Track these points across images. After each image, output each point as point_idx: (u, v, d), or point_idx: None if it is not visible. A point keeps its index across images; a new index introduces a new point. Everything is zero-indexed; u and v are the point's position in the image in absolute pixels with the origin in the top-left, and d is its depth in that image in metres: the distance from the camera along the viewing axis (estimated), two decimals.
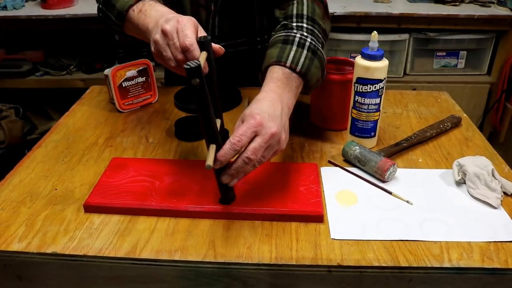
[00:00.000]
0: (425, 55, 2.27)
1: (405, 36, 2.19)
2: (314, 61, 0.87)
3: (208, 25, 1.13)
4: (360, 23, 2.12)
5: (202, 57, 0.71)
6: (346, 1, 2.20)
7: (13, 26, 2.19)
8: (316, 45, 0.90)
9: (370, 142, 0.96)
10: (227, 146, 0.70)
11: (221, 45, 0.78)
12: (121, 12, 0.90)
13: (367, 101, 0.91)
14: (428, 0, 2.24)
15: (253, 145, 0.71)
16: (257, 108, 0.75)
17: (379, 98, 0.91)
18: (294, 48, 0.87)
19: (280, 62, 0.85)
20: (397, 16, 2.10)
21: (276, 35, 0.93)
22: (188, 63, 0.64)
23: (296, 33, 0.91)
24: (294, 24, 0.94)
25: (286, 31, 0.93)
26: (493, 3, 2.20)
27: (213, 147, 0.70)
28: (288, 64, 0.84)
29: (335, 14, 2.06)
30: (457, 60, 2.29)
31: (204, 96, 0.66)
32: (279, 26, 0.97)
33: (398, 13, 2.10)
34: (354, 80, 0.91)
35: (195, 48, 0.73)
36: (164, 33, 0.75)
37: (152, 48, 0.79)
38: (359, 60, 0.89)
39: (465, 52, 2.26)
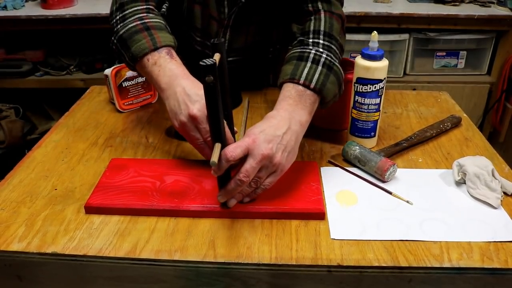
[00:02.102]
0: (425, 55, 2.27)
1: (405, 36, 2.19)
2: (330, 76, 0.86)
3: (219, 36, 1.12)
4: (360, 23, 2.12)
5: (216, 57, 0.71)
6: (346, 1, 2.19)
7: (13, 26, 2.19)
8: (332, 61, 0.89)
9: (370, 142, 0.96)
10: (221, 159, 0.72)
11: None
12: (135, 57, 0.89)
13: (367, 101, 0.91)
14: (428, 0, 2.24)
15: (245, 166, 0.72)
16: (258, 127, 0.76)
17: (379, 98, 0.91)
18: (309, 64, 0.86)
19: (293, 79, 0.84)
20: (397, 16, 2.10)
21: (292, 52, 0.92)
22: (204, 60, 0.65)
23: (311, 49, 0.90)
24: (311, 40, 0.93)
25: (301, 47, 0.92)
26: (493, 3, 2.20)
27: (218, 146, 0.71)
28: (301, 81, 0.84)
29: None
30: (457, 60, 2.29)
31: (216, 94, 0.67)
32: (295, 42, 0.96)
33: (398, 13, 2.10)
34: (354, 80, 0.92)
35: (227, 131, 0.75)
36: (193, 117, 0.78)
37: (176, 124, 0.82)
38: (359, 60, 0.89)
39: (465, 52, 2.26)
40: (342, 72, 0.90)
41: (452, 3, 2.20)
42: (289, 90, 0.84)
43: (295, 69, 0.86)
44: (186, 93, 0.81)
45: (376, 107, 0.92)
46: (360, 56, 0.90)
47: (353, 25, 2.13)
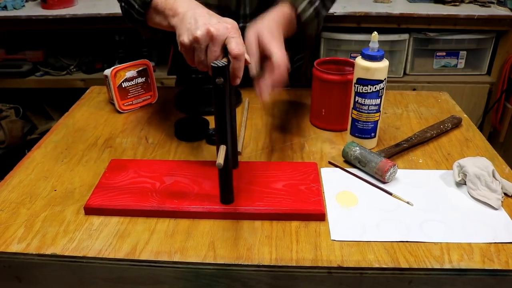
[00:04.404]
0: (425, 55, 2.27)
1: (405, 36, 2.19)
2: (314, 20, 1.01)
3: (239, 3, 1.10)
4: (360, 23, 2.12)
5: (227, 60, 0.72)
6: (346, 1, 2.20)
7: (13, 26, 2.19)
8: (320, 9, 1.03)
9: (370, 143, 0.96)
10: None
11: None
12: (147, 1, 0.88)
13: (367, 101, 0.91)
14: (428, 0, 2.24)
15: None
16: (257, 24, 0.86)
17: (379, 99, 0.91)
18: (305, 2, 0.99)
19: (293, 6, 0.96)
20: (397, 16, 2.10)
21: None
22: (215, 62, 0.66)
23: None
24: None
25: None
26: (493, 3, 2.20)
27: (223, 147, 0.71)
28: (298, 11, 0.97)
29: (335, 14, 2.06)
30: (457, 60, 2.28)
31: (225, 96, 0.68)
32: None
33: (398, 13, 2.10)
34: (354, 80, 0.91)
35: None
36: (210, 34, 0.72)
37: (186, 40, 0.74)
38: (359, 61, 0.89)
39: (465, 52, 2.26)
40: (322, 22, 1.06)
41: (452, 3, 2.20)
42: (283, 10, 0.94)
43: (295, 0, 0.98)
44: (209, 14, 0.76)
45: (376, 107, 0.92)
46: (360, 56, 0.90)
47: (353, 25, 2.12)
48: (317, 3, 1.01)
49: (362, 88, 0.90)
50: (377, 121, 0.94)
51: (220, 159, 0.68)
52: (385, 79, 0.90)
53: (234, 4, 1.10)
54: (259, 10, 1.12)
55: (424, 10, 2.11)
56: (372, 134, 0.95)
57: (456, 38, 2.21)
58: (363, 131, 0.95)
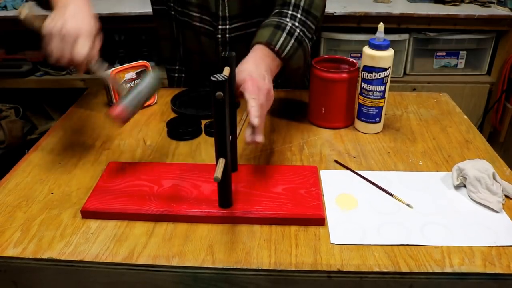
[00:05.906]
0: (425, 55, 2.26)
1: (405, 36, 2.18)
2: (298, 50, 0.95)
3: (218, 4, 1.11)
4: (360, 23, 2.11)
5: (226, 71, 0.71)
6: (346, 1, 2.19)
7: (13, 26, 2.18)
8: (304, 37, 0.97)
9: (376, 127, 1.01)
10: (255, 108, 0.75)
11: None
12: None
13: (372, 88, 0.96)
14: (428, 0, 2.23)
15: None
16: (246, 69, 0.82)
17: (383, 86, 0.96)
18: (284, 35, 0.94)
19: (270, 44, 0.91)
20: (397, 16, 2.09)
21: (270, 19, 0.99)
22: (215, 76, 0.66)
23: (288, 22, 0.97)
24: (290, 12, 0.99)
25: (280, 17, 0.98)
26: (493, 3, 2.19)
27: (222, 161, 0.70)
28: (276, 48, 0.91)
29: (335, 14, 2.05)
30: (457, 60, 2.27)
31: (224, 110, 0.68)
32: (276, 11, 1.02)
33: (398, 13, 2.09)
34: (361, 68, 0.97)
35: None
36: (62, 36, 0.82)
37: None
38: (366, 50, 0.95)
39: (465, 52, 2.25)
40: (309, 47, 0.99)
41: (452, 3, 2.19)
42: (262, 51, 0.91)
43: (272, 36, 0.93)
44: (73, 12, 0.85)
45: (381, 94, 0.97)
46: (367, 46, 0.95)
47: (353, 25, 2.12)
48: (297, 31, 0.96)
49: (367, 75, 0.95)
50: (382, 107, 0.99)
51: (218, 173, 0.68)
52: (389, 67, 0.94)
53: (213, 5, 1.11)
54: (242, 14, 1.13)
55: (424, 10, 2.10)
56: (377, 119, 1.00)
57: (456, 38, 2.20)
58: (368, 116, 0.99)
